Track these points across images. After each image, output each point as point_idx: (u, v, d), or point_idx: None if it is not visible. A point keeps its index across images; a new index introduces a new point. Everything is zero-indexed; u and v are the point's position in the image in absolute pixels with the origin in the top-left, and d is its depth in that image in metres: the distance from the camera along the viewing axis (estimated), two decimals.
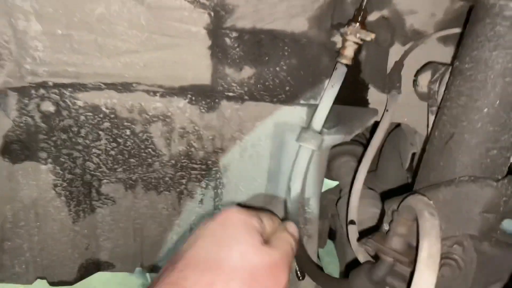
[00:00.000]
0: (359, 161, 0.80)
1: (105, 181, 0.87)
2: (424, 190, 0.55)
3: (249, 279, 0.51)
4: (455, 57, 0.59)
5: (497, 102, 0.52)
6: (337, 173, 1.07)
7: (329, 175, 1.12)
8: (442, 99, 0.59)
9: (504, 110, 0.52)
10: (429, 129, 0.69)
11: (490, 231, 0.54)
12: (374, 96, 0.82)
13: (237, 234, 0.55)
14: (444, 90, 0.59)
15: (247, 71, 0.78)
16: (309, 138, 0.75)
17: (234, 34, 0.75)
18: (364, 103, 0.83)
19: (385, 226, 0.57)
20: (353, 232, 0.70)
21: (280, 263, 0.56)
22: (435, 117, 0.60)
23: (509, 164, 0.56)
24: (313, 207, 0.88)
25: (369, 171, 1.21)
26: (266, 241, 0.58)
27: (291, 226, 0.67)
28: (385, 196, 0.61)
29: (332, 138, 0.83)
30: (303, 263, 0.79)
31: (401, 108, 0.81)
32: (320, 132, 0.77)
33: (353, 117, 0.83)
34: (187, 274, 0.50)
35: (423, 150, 0.62)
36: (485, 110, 0.53)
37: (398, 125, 1.04)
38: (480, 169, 0.54)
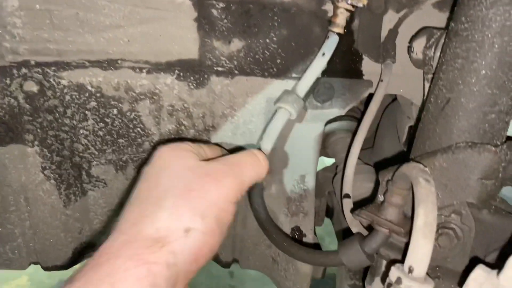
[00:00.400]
0: (354, 134, 0.77)
1: (94, 162, 0.85)
2: (420, 158, 0.53)
3: (184, 191, 0.49)
4: (450, 19, 0.56)
5: (495, 63, 0.49)
6: (332, 150, 1.05)
7: (324, 152, 1.10)
8: (437, 64, 0.56)
9: (503, 71, 0.50)
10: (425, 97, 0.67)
11: (489, 199, 0.52)
12: (368, 66, 0.79)
13: (166, 162, 0.54)
14: (440, 54, 0.57)
15: (236, 44, 0.75)
16: (290, 101, 0.72)
17: (221, 5, 0.72)
18: (358, 74, 0.80)
19: (380, 197, 0.55)
20: (347, 206, 0.68)
21: (220, 170, 0.53)
22: (431, 83, 0.58)
23: (508, 129, 0.54)
24: (308, 184, 0.86)
25: (366, 148, 1.19)
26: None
27: (257, 152, 0.63)
28: (381, 168, 0.58)
29: (325, 113, 0.81)
30: (277, 243, 0.72)
31: (396, 78, 0.78)
32: (304, 99, 0.74)
33: (347, 90, 0.80)
34: (128, 219, 0.50)
35: (418, 119, 0.60)
36: (483, 72, 0.50)
37: (394, 99, 1.02)
38: (478, 135, 0.52)
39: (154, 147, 0.68)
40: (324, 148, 1.09)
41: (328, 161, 1.15)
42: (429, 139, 0.56)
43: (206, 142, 0.71)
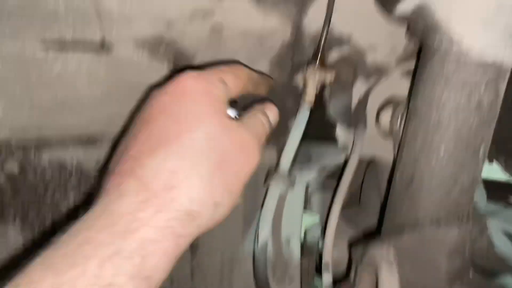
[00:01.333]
0: (331, 201, 0.78)
1: None
2: (388, 235, 0.53)
3: (219, 160, 0.44)
4: (410, 95, 0.58)
5: (453, 143, 0.51)
6: (318, 210, 1.05)
7: (310, 209, 1.10)
8: (400, 140, 0.58)
9: (461, 150, 0.51)
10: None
11: (460, 273, 0.52)
12: (342, 132, 0.81)
13: (198, 109, 0.45)
14: (402, 130, 0.58)
15: None
16: (276, 181, 0.74)
17: None
18: (333, 140, 0.82)
19: (352, 275, 0.55)
20: (326, 280, 0.68)
21: (251, 142, 0.48)
22: (396, 157, 0.59)
23: (473, 203, 0.55)
24: (293, 248, 0.86)
25: (353, 207, 1.19)
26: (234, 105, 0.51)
27: (271, 109, 0.57)
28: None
29: (304, 176, 0.82)
30: None
31: (370, 143, 0.80)
32: (290, 174, 0.75)
33: (323, 154, 0.82)
34: (144, 162, 0.42)
35: (388, 190, 0.61)
36: (442, 151, 0.51)
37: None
38: (444, 212, 0.53)
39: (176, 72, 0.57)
40: (310, 208, 1.09)
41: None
42: (397, 214, 0.56)
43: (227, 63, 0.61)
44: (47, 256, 0.38)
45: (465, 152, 0.51)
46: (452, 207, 0.52)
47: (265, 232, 0.75)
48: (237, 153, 0.46)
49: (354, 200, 1.16)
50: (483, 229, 0.52)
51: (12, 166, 0.76)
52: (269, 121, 0.55)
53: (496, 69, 0.49)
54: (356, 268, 0.53)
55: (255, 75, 0.60)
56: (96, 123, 0.75)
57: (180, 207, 0.41)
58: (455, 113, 0.50)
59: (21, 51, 0.66)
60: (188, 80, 0.46)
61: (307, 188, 1.04)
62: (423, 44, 0.54)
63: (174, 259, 0.41)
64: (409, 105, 0.57)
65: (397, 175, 0.57)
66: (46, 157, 0.77)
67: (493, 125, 0.52)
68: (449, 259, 0.51)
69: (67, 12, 0.63)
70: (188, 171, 0.42)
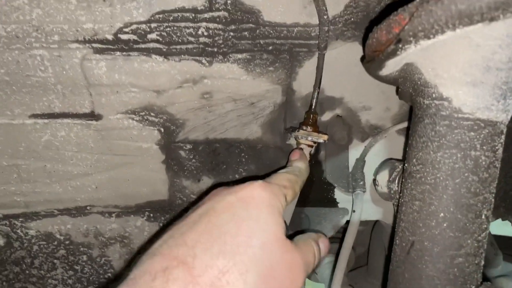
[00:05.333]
0: (334, 267, 0.73)
1: None
2: None
3: (267, 273, 0.44)
4: (404, 157, 0.55)
5: (452, 205, 0.48)
6: (322, 276, 0.99)
7: (315, 278, 1.04)
8: (398, 203, 0.55)
9: (462, 213, 0.48)
10: None
11: None
12: (342, 195, 0.78)
13: (261, 218, 0.46)
14: (399, 193, 0.55)
15: (206, 182, 0.75)
16: None
17: (188, 146, 0.73)
18: (332, 203, 0.78)
19: None
20: None
21: (300, 266, 0.48)
22: (395, 221, 0.56)
23: (481, 270, 0.50)
24: None
25: (360, 266, 1.13)
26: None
27: (324, 242, 0.58)
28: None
29: None
30: None
31: (371, 205, 0.77)
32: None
33: (322, 219, 0.78)
34: (197, 253, 0.42)
35: (389, 256, 0.57)
36: (441, 214, 0.48)
37: None
38: (448, 280, 0.48)
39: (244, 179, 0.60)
40: (314, 275, 1.03)
41: None
42: (400, 284, 0.52)
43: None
44: None
45: (466, 215, 0.47)
46: (458, 275, 0.48)
47: None
48: (285, 272, 0.46)
49: (362, 260, 1.11)
50: None
51: None
52: (320, 253, 0.56)
53: (491, 125, 0.47)
54: None
55: (303, 178, 0.62)
56: (85, 192, 0.73)
57: None
58: (451, 174, 0.47)
59: (10, 121, 0.66)
60: (256, 188, 0.49)
61: None
62: (413, 104, 0.52)
63: None
64: (403, 167, 0.54)
65: (397, 241, 0.53)
66: (33, 228, 0.74)
67: (494, 185, 0.49)
68: None
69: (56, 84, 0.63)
70: (237, 275, 0.42)
